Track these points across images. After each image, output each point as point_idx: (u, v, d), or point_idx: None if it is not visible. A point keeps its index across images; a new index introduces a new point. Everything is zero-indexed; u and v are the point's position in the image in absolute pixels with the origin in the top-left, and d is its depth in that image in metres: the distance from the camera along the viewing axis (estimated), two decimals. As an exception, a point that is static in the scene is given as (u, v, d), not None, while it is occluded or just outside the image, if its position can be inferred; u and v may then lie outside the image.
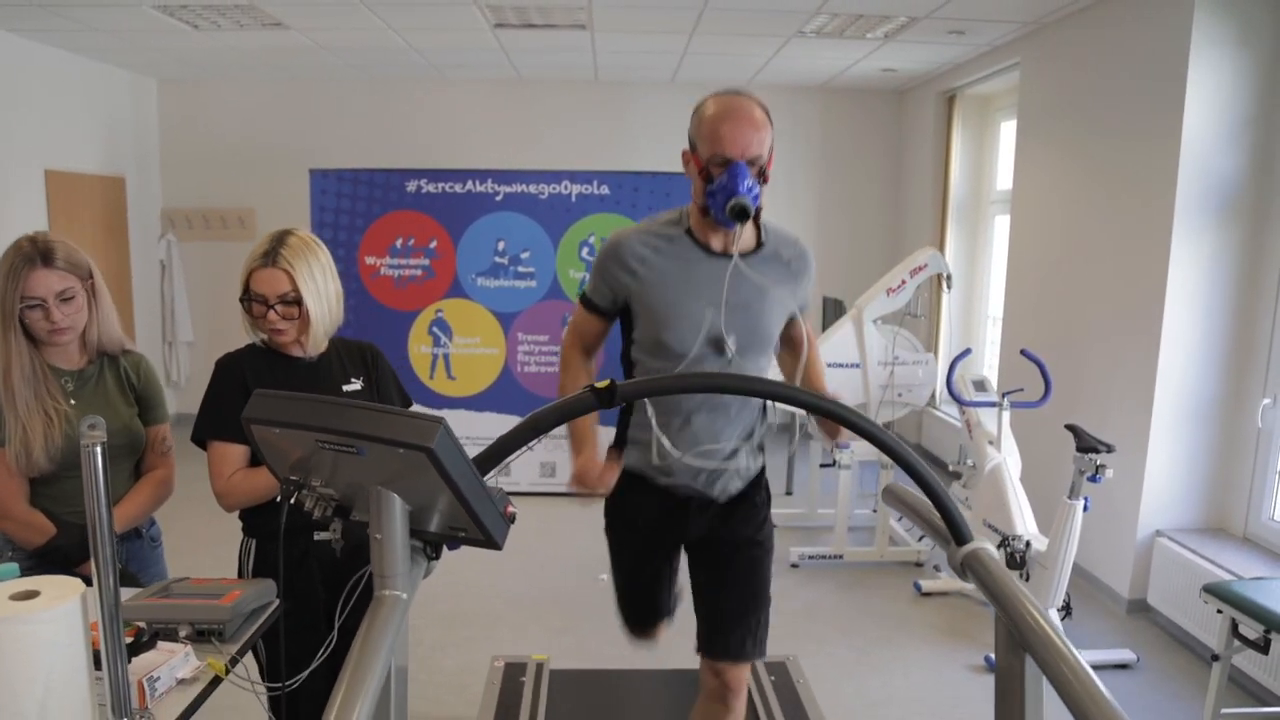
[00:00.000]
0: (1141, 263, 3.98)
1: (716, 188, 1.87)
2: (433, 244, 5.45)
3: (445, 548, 1.42)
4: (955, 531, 1.55)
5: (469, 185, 5.45)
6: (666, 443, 1.97)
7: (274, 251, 1.93)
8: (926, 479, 1.48)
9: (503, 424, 5.51)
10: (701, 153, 1.90)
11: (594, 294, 2.08)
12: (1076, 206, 4.56)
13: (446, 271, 5.47)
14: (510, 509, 1.37)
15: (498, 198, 5.46)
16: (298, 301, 1.94)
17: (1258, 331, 3.78)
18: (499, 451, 1.34)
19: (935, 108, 6.47)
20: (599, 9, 4.74)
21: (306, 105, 6.95)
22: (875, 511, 4.78)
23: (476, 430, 5.52)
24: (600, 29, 5.18)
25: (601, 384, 1.39)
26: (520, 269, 5.50)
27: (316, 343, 2.01)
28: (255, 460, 1.97)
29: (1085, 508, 3.45)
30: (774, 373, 2.11)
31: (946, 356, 6.24)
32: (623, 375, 2.12)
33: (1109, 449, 3.31)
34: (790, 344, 2.22)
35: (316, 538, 1.41)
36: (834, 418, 1.42)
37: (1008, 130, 6.25)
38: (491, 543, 1.33)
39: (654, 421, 1.97)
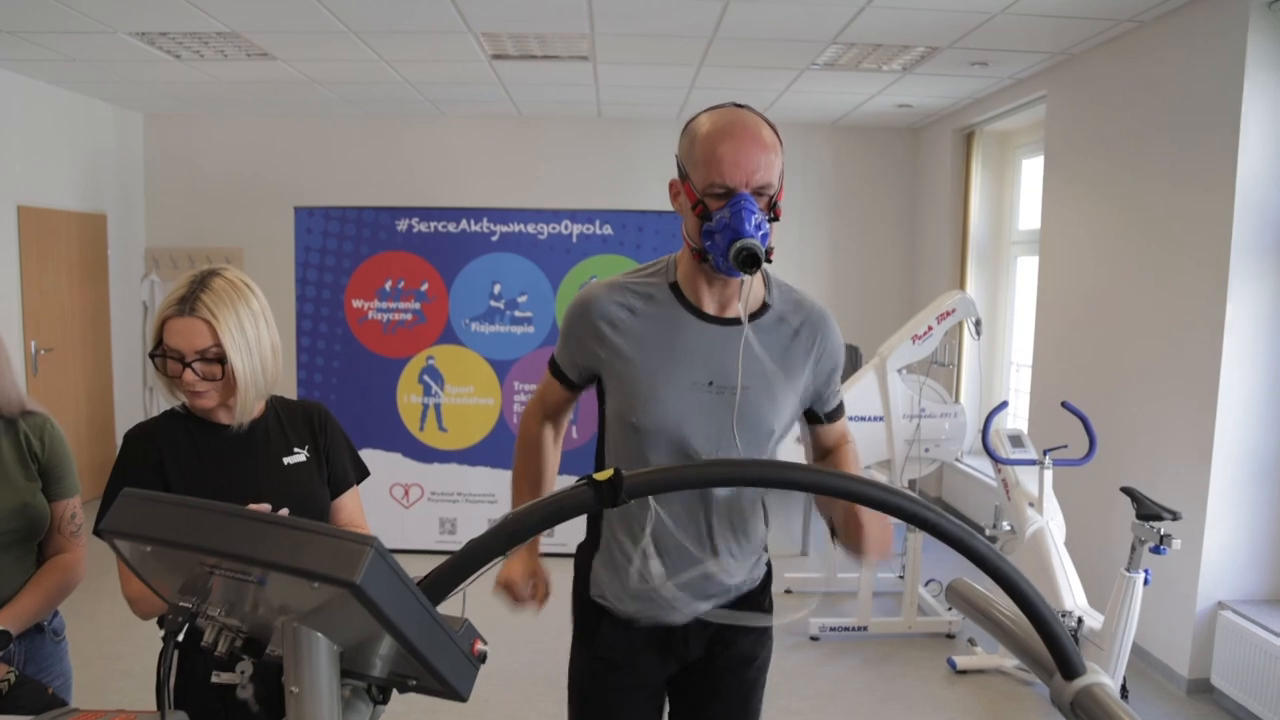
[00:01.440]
0: (1193, 308, 3.64)
1: (717, 225, 1.48)
2: (424, 286, 5.13)
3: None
4: (1064, 662, 1.19)
5: (463, 224, 5.15)
6: (654, 564, 1.59)
7: (192, 297, 1.58)
8: (1030, 599, 1.13)
9: (497, 479, 5.15)
10: (695, 181, 1.52)
11: (560, 359, 1.74)
12: (1114, 247, 4.24)
13: (438, 316, 5.14)
14: (479, 646, 1.02)
15: (494, 238, 5.15)
16: (220, 359, 1.59)
17: (1325, 383, 3.44)
18: (460, 569, 0.99)
19: (953, 145, 6.19)
20: (601, 38, 4.47)
21: (297, 141, 6.69)
22: (901, 577, 4.39)
23: (469, 486, 5.16)
24: (603, 60, 4.92)
25: (602, 475, 1.05)
26: (517, 313, 5.18)
27: (245, 408, 1.66)
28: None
29: (1146, 581, 3.08)
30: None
31: (973, 407, 5.89)
32: (595, 453, 1.75)
33: (1174, 516, 2.96)
34: (822, 456, 1.79)
35: (215, 680, 1.06)
36: (912, 518, 1.07)
37: (1029, 168, 5.97)
38: (452, 693, 0.98)
39: (649, 527, 1.57)
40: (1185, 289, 3.71)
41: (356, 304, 5.11)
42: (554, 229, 5.17)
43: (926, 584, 4.43)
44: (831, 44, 4.48)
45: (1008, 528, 3.83)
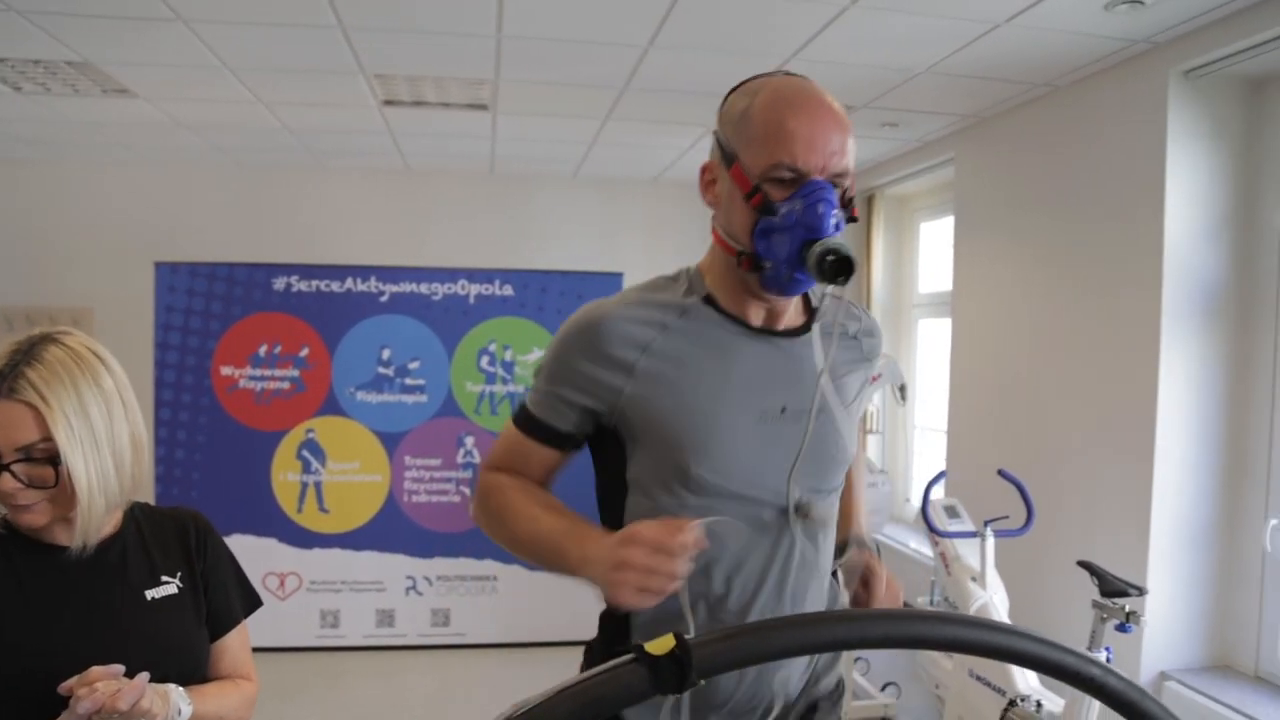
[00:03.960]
0: (1125, 373, 3.58)
1: (783, 221, 1.16)
2: (303, 352, 4.63)
3: None
4: None
5: (348, 283, 4.70)
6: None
7: (13, 372, 1.15)
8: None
9: (386, 564, 4.64)
10: (750, 163, 1.19)
11: (546, 410, 1.29)
12: (1033, 311, 4.19)
13: (320, 384, 4.64)
14: None
15: (382, 298, 4.72)
16: (53, 459, 1.16)
17: (1253, 444, 3.41)
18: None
19: (853, 208, 6.16)
20: (505, 85, 4.18)
21: (160, 192, 6.06)
22: (857, 661, 4.11)
23: (355, 574, 4.62)
24: (504, 110, 4.62)
25: (657, 644, 0.71)
26: (408, 381, 4.73)
27: (91, 525, 1.21)
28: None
29: (1108, 660, 2.90)
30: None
31: (902, 476, 5.76)
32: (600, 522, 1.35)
33: (1141, 591, 2.80)
34: None
35: None
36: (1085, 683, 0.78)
37: (927, 231, 6.00)
38: None
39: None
40: (1114, 353, 3.65)
41: (225, 371, 4.55)
42: (449, 289, 4.79)
43: (857, 659, 4.16)
44: (745, 100, 4.32)
45: (949, 603, 3.62)
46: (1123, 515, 3.57)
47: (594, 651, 1.35)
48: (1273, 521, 3.31)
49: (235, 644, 1.39)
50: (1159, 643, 3.47)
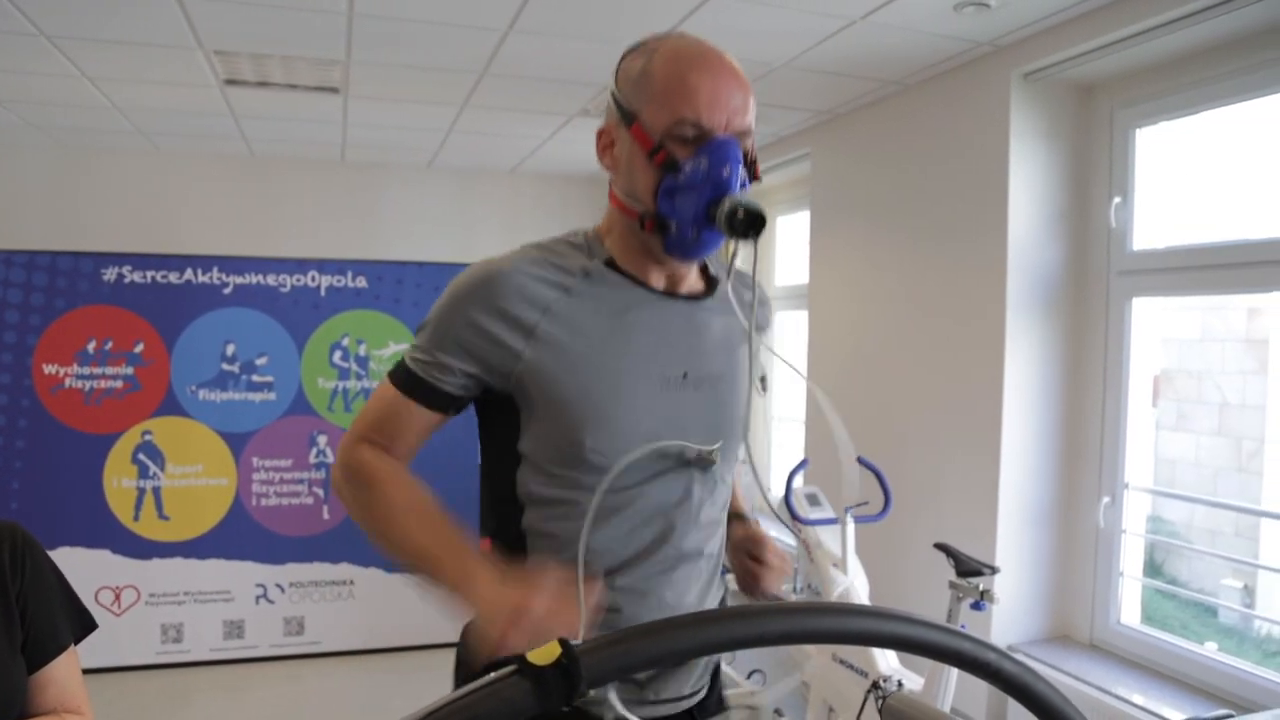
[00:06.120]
0: (973, 360, 3.75)
1: (687, 179, 1.14)
2: (138, 348, 4.29)
3: None
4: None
5: (188, 274, 4.39)
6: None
7: None
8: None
9: (234, 572, 4.37)
10: (650, 120, 1.17)
11: (431, 369, 1.19)
12: (887, 303, 4.34)
13: (157, 382, 4.32)
14: None
15: (226, 290, 4.44)
16: None
17: (1087, 428, 3.64)
18: None
19: (714, 201, 6.23)
20: (357, 68, 3.99)
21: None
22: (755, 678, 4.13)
23: (199, 584, 4.33)
24: (356, 95, 4.42)
25: (540, 653, 0.65)
26: (255, 378, 4.47)
27: None
28: None
29: (962, 639, 3.02)
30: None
31: (762, 466, 5.84)
32: (482, 502, 1.30)
33: (993, 570, 2.92)
34: None
35: None
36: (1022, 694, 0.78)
37: (784, 225, 6.13)
38: None
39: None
40: (963, 343, 3.82)
41: (49, 369, 4.17)
42: (299, 281, 4.55)
43: (750, 675, 4.18)
44: (606, 88, 4.28)
45: (812, 589, 3.70)
46: (973, 498, 3.74)
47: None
48: (1104, 500, 3.54)
49: (62, 674, 1.24)
50: (1006, 618, 3.65)
